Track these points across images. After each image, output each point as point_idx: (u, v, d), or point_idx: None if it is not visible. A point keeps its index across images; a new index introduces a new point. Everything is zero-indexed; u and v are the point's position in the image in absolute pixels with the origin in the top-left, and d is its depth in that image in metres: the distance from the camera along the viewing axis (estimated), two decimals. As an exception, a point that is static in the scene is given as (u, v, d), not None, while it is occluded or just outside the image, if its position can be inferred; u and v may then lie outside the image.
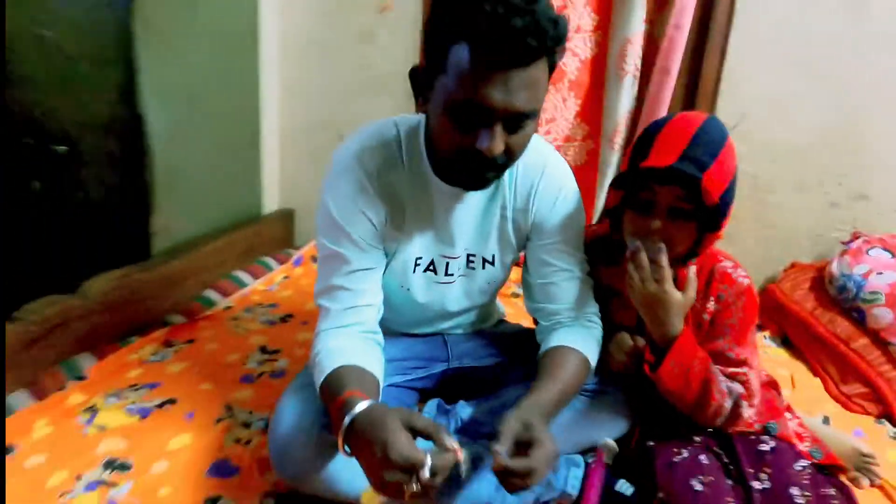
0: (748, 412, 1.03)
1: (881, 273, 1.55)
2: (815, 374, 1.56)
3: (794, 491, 0.95)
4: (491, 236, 1.08)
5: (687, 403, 1.00)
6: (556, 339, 1.04)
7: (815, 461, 1.05)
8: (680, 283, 1.01)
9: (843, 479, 1.08)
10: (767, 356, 1.66)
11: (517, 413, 0.85)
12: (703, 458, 0.99)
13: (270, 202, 2.29)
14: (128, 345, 1.46)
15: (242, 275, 1.91)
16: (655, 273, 0.96)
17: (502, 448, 0.79)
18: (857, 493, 1.10)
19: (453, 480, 0.97)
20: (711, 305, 1.05)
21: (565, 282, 1.07)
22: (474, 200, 1.05)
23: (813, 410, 1.39)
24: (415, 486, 0.73)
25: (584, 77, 1.96)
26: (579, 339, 1.04)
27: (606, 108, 1.94)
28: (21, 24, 1.53)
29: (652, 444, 1.04)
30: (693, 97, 1.90)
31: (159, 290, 1.63)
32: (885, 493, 1.14)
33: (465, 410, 1.12)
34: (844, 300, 1.61)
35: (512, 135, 0.86)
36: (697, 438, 1.04)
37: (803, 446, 1.07)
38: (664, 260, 0.96)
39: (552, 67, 0.87)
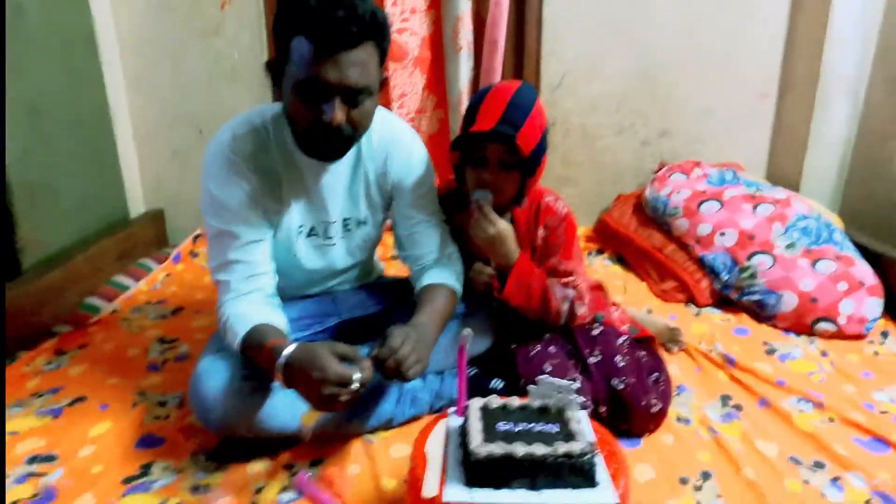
0: (581, 310, 1.31)
1: (679, 192, 1.94)
2: (641, 279, 1.92)
3: (618, 358, 1.25)
4: (360, 200, 1.26)
5: (533, 311, 1.26)
6: (426, 279, 1.26)
7: (632, 336, 1.36)
8: (515, 220, 1.28)
9: (654, 347, 1.40)
10: (607, 272, 2.01)
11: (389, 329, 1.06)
12: (551, 348, 1.27)
13: (136, 204, 2.28)
14: (17, 359, 1.47)
15: (123, 278, 1.93)
16: (486, 218, 1.19)
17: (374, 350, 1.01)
18: (668, 355, 1.46)
19: (361, 405, 1.17)
20: (541, 232, 1.32)
21: (426, 229, 1.28)
22: (340, 171, 1.22)
23: (640, 306, 1.74)
24: (346, 396, 0.94)
25: (426, 53, 2.17)
26: (444, 275, 1.26)
27: (448, 80, 2.16)
28: None
29: (514, 346, 1.30)
30: (521, 63, 2.19)
31: (38, 303, 1.62)
32: (689, 354, 1.50)
33: (362, 352, 1.30)
34: (656, 217, 1.99)
35: (353, 109, 1.05)
36: (546, 336, 1.31)
37: (624, 328, 1.38)
38: (488, 208, 1.20)
39: (383, 52, 1.07)
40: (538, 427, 0.85)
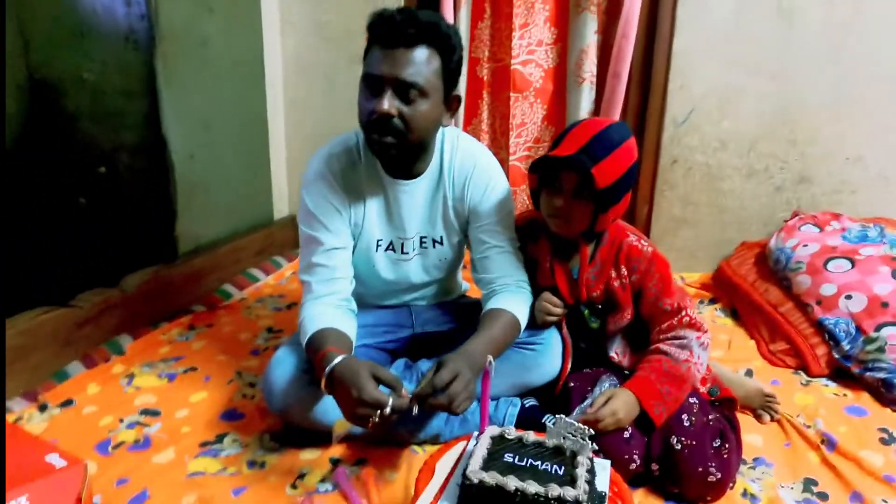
0: (707, 341, 1.26)
1: (806, 245, 1.75)
2: (751, 336, 1.75)
3: (684, 416, 1.17)
4: (437, 221, 1.34)
5: (683, 396, 1.20)
6: (492, 303, 1.29)
7: (712, 397, 1.26)
8: (581, 256, 1.27)
9: (734, 412, 1.28)
10: (714, 325, 1.86)
11: (441, 358, 1.10)
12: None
13: (280, 208, 2.59)
14: (159, 328, 1.75)
15: (256, 272, 2.20)
16: (597, 418, 1.14)
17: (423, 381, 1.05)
18: (756, 425, 1.33)
19: (410, 416, 1.23)
20: (624, 272, 1.28)
21: (498, 255, 1.32)
22: (420, 191, 1.30)
23: (740, 365, 1.59)
24: (377, 419, 1.00)
25: (549, 85, 2.20)
26: (510, 302, 1.28)
27: (569, 112, 2.17)
28: (68, 70, 1.86)
29: (571, 384, 1.28)
30: (646, 97, 2.13)
31: (184, 284, 1.93)
32: (782, 427, 1.35)
33: (424, 366, 1.37)
34: (778, 271, 1.80)
35: (405, 105, 1.13)
36: (613, 380, 1.27)
37: (704, 388, 1.28)
38: (590, 413, 1.16)
39: (446, 62, 1.16)
40: (543, 465, 0.85)
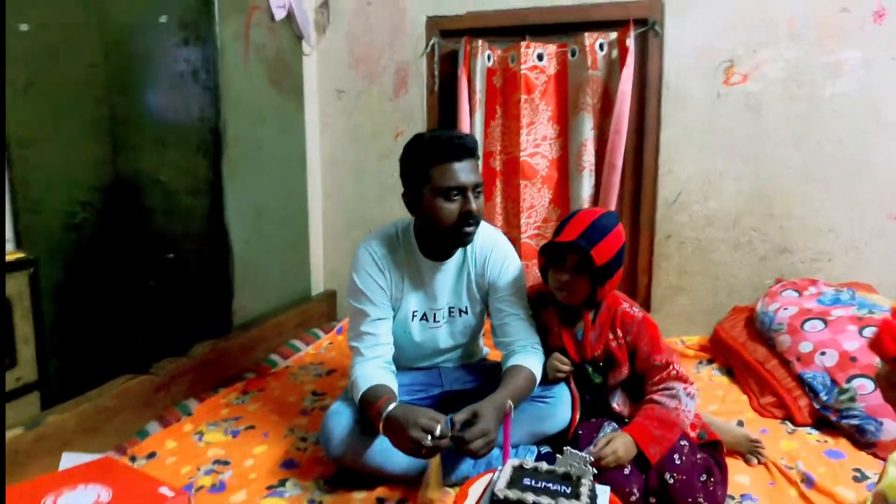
0: (693, 391, 1.47)
1: (786, 308, 1.98)
2: (743, 392, 1.95)
3: (675, 455, 1.38)
4: (463, 294, 1.61)
5: (674, 438, 1.39)
6: (512, 361, 1.53)
7: (701, 441, 1.47)
8: (584, 322, 1.52)
9: (721, 453, 1.46)
10: (711, 382, 2.07)
11: (471, 405, 1.34)
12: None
13: (317, 285, 2.88)
14: (219, 392, 2.00)
15: (297, 342, 2.47)
16: (603, 455, 1.35)
17: (458, 423, 1.29)
18: (746, 468, 1.52)
19: (447, 463, 1.45)
20: (620, 334, 1.52)
21: (515, 322, 1.58)
22: (449, 270, 1.58)
23: (732, 417, 1.79)
24: (429, 442, 1.23)
25: (553, 173, 2.53)
26: (527, 360, 1.52)
27: (572, 196, 2.48)
28: (147, 173, 2.22)
29: (580, 432, 1.49)
30: (640, 182, 2.43)
31: (239, 353, 2.19)
32: (768, 469, 1.53)
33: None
34: (763, 332, 2.02)
35: (476, 200, 1.45)
36: (613, 426, 1.48)
37: (693, 433, 1.48)
38: (598, 448, 1.37)
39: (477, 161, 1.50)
40: (554, 486, 1.07)
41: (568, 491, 1.05)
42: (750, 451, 1.56)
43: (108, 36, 2.21)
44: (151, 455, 1.60)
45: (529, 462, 1.14)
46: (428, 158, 1.44)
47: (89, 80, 2.21)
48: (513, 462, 1.15)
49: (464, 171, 1.43)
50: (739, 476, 1.49)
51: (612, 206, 2.34)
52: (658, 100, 2.34)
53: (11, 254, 1.87)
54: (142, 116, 2.23)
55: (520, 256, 2.50)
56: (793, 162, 2.24)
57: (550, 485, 1.07)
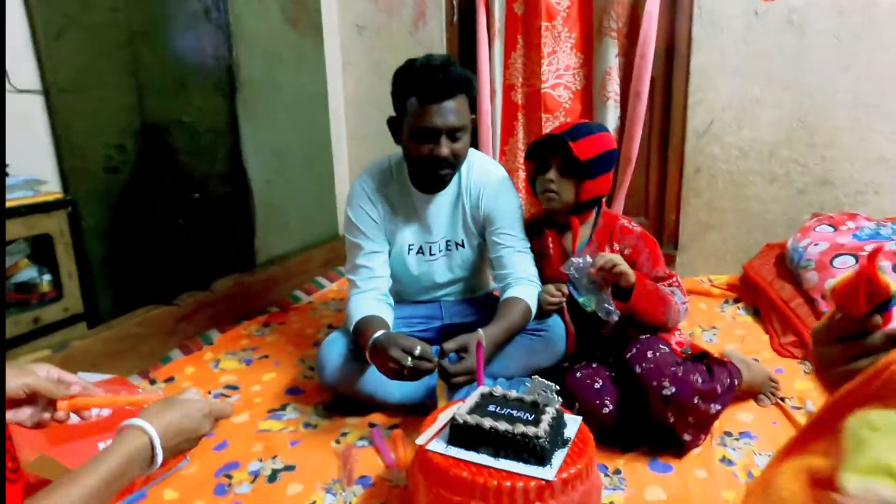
0: (686, 307, 1.44)
1: (817, 244, 1.84)
2: (766, 331, 1.86)
3: (648, 353, 1.30)
4: (458, 227, 1.59)
5: (658, 312, 1.37)
6: (507, 294, 1.52)
7: (685, 355, 1.39)
8: (573, 232, 1.49)
9: (710, 361, 1.38)
10: (734, 322, 1.99)
11: (462, 336, 1.34)
12: (594, 365, 1.42)
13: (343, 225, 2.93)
14: (241, 324, 2.10)
15: (322, 279, 2.54)
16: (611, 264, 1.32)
17: (441, 355, 1.29)
18: (761, 408, 1.46)
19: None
20: (617, 248, 1.49)
21: (511, 254, 1.55)
22: (443, 202, 1.56)
23: (749, 356, 1.70)
24: (409, 362, 1.25)
25: (577, 105, 2.41)
26: (522, 292, 1.50)
27: (596, 128, 2.36)
28: (173, 115, 2.29)
29: (566, 364, 1.48)
30: (668, 112, 2.28)
31: (262, 289, 2.28)
32: (782, 410, 1.47)
33: (453, 357, 1.61)
34: (792, 269, 1.90)
35: (454, 143, 1.40)
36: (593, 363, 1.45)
37: (679, 349, 1.41)
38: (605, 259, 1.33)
39: (471, 100, 1.43)
40: (517, 413, 1.07)
41: (531, 418, 1.05)
42: (765, 391, 1.50)
43: (126, -23, 2.24)
44: (169, 379, 1.72)
45: (498, 390, 1.15)
46: (406, 91, 1.40)
47: (113, 24, 2.26)
48: (482, 389, 1.15)
49: (439, 114, 1.36)
50: (742, 414, 1.45)
51: (637, 139, 2.23)
52: (689, 21, 2.16)
53: (50, 194, 1.99)
54: (163, 58, 2.27)
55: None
56: (840, 85, 2.04)
57: (514, 412, 1.07)
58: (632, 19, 2.24)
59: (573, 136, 1.41)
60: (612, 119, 2.31)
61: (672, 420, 1.26)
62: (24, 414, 0.78)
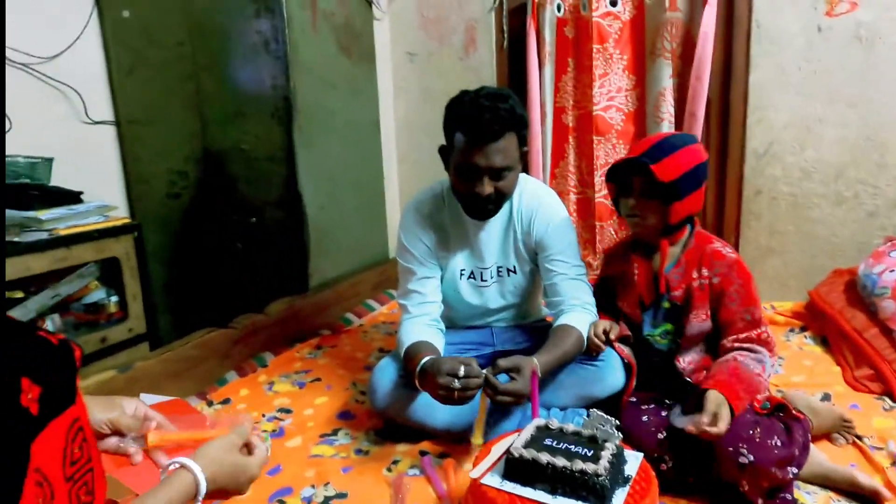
0: (775, 365, 1.35)
1: (893, 270, 1.73)
2: (837, 363, 1.76)
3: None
4: (510, 253, 1.58)
5: (755, 399, 1.28)
6: (560, 320, 1.49)
7: (764, 410, 1.32)
8: (661, 254, 1.39)
9: (789, 417, 1.29)
10: (801, 352, 1.89)
11: (517, 356, 1.31)
12: (662, 411, 1.34)
13: (394, 248, 2.95)
14: (294, 347, 2.14)
15: (373, 302, 2.56)
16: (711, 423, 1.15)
17: (493, 371, 1.27)
18: (835, 449, 1.37)
19: (490, 422, 1.45)
20: (706, 273, 1.36)
21: (564, 281, 1.52)
22: (495, 228, 1.56)
23: (819, 390, 1.62)
24: (457, 384, 1.22)
25: (630, 127, 2.37)
26: (576, 320, 1.47)
27: (649, 150, 2.31)
28: (230, 144, 2.37)
29: (626, 398, 1.42)
30: (726, 132, 2.22)
31: (314, 312, 2.32)
32: (858, 448, 1.37)
33: (504, 378, 1.59)
34: (864, 297, 1.79)
35: (498, 182, 1.38)
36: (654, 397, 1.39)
37: (758, 402, 1.34)
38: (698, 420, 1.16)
39: (521, 136, 1.40)
40: (575, 448, 1.04)
41: (589, 454, 1.02)
42: (839, 431, 1.40)
43: (191, 15, 2.35)
44: (226, 401, 1.75)
45: (555, 423, 1.12)
46: (454, 125, 1.40)
47: (179, 59, 2.38)
48: (538, 422, 1.13)
49: (483, 155, 1.34)
50: (818, 455, 1.35)
51: (693, 161, 2.16)
52: (747, 39, 2.11)
53: (118, 219, 2.09)
54: (224, 89, 2.36)
55: (594, 217, 2.42)
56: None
57: (572, 447, 1.04)
58: (686, 39, 2.20)
59: (654, 156, 1.28)
60: (666, 141, 2.26)
61: (746, 488, 1.17)
62: (109, 443, 0.81)
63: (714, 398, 1.19)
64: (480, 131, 1.34)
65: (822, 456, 1.30)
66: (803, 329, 2.01)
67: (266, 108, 2.30)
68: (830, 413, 1.42)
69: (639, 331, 1.47)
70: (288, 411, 1.69)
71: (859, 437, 1.39)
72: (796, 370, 1.77)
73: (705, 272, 1.36)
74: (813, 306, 2.01)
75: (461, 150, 1.38)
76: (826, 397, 1.59)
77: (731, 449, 1.16)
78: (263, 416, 1.66)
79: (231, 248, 2.47)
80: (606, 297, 1.56)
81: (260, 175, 2.38)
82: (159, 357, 1.76)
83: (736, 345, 1.34)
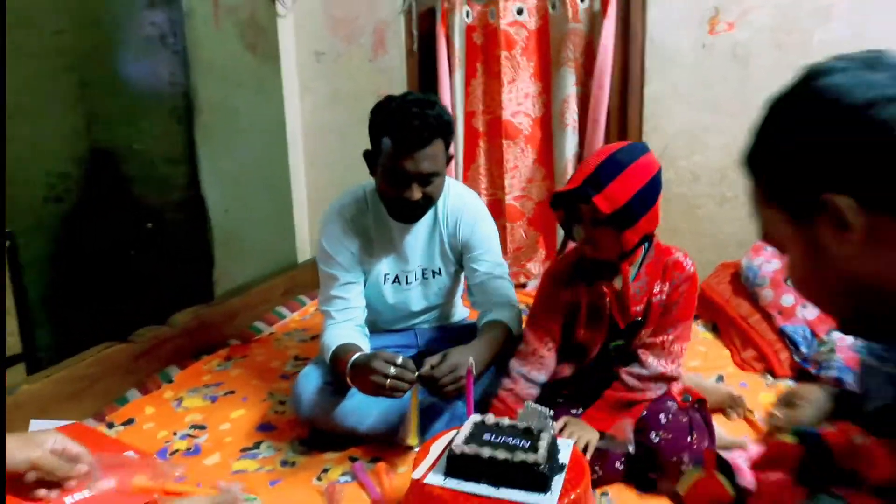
0: (676, 373, 1.36)
1: (770, 262, 1.94)
2: (726, 347, 1.94)
3: (661, 415, 1.32)
4: (435, 255, 1.59)
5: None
6: (489, 316, 1.52)
7: (686, 403, 1.42)
8: (623, 276, 1.31)
9: (706, 410, 1.41)
10: (696, 339, 2.05)
11: (441, 353, 1.32)
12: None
13: (303, 253, 2.87)
14: (201, 360, 2.01)
15: (283, 309, 2.46)
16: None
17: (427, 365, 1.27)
18: (726, 421, 1.51)
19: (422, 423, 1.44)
20: (666, 287, 1.33)
21: (489, 281, 1.56)
22: (419, 231, 1.56)
23: (713, 373, 1.78)
24: (392, 371, 1.21)
25: (537, 132, 2.47)
26: (503, 315, 1.50)
27: (556, 154, 2.43)
28: (121, 143, 2.19)
29: (560, 400, 1.45)
30: (625, 138, 2.37)
31: (222, 321, 2.19)
32: (750, 423, 1.53)
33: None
34: (747, 287, 2.00)
35: (426, 187, 1.38)
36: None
37: (679, 397, 1.44)
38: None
39: (447, 142, 1.40)
40: (513, 440, 1.06)
41: (527, 445, 1.04)
42: (731, 407, 1.55)
43: (74, 0, 2.15)
44: (129, 421, 1.61)
45: (490, 418, 1.14)
46: (381, 130, 1.38)
47: (58, 48, 2.16)
48: (474, 418, 1.14)
49: (411, 161, 1.33)
50: (717, 429, 1.48)
51: (596, 164, 2.29)
52: (641, 53, 2.27)
53: (-13, 226, 1.86)
54: (113, 84, 2.18)
55: (505, 218, 2.50)
56: (780, 113, 2.18)
57: (510, 439, 1.07)
58: (588, 50, 2.33)
59: (597, 185, 1.18)
60: (571, 145, 2.38)
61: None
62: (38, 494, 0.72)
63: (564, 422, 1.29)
64: (409, 138, 1.33)
65: (721, 430, 1.43)
66: (696, 318, 2.19)
67: (164, 105, 2.15)
68: (718, 391, 1.58)
69: (585, 353, 1.41)
70: (202, 427, 1.58)
71: (750, 411, 1.55)
72: (692, 355, 1.92)
73: (666, 286, 1.33)
74: (704, 297, 2.20)
75: (389, 155, 1.37)
76: (720, 378, 1.75)
77: (674, 459, 1.25)
78: (175, 433, 1.55)
79: (124, 255, 2.28)
80: (551, 320, 1.41)
81: (157, 177, 2.22)
82: (49, 377, 1.59)
83: (641, 348, 1.35)
